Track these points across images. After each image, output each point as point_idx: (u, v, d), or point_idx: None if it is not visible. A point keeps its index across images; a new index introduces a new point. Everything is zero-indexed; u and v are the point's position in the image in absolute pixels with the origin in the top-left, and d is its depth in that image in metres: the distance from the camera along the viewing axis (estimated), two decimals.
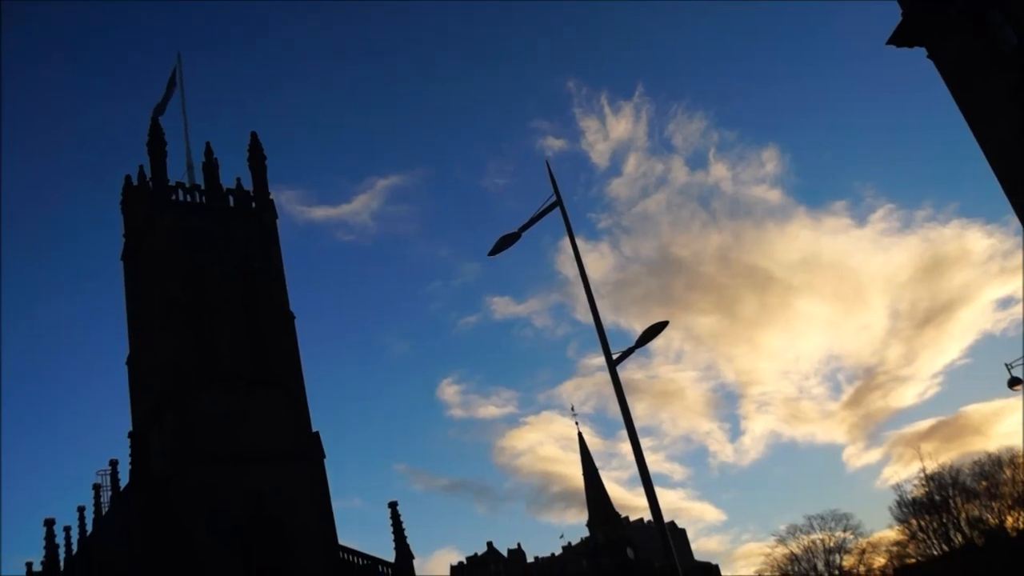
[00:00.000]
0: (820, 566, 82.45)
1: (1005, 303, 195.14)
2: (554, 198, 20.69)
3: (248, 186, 69.63)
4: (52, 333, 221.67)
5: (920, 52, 28.79)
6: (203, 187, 67.92)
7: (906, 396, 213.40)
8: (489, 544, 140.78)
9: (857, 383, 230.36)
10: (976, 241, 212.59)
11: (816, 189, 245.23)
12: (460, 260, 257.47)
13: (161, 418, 59.21)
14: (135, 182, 70.76)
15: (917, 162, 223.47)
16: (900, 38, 28.79)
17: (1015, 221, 26.79)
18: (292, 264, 75.88)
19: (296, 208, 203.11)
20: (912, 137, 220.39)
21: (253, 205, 68.81)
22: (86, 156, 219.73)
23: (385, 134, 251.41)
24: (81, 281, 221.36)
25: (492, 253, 21.16)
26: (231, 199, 68.49)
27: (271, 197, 69.67)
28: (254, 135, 71.47)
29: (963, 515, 74.23)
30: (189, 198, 66.64)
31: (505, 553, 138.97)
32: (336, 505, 60.80)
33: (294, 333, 64.62)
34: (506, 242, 21.12)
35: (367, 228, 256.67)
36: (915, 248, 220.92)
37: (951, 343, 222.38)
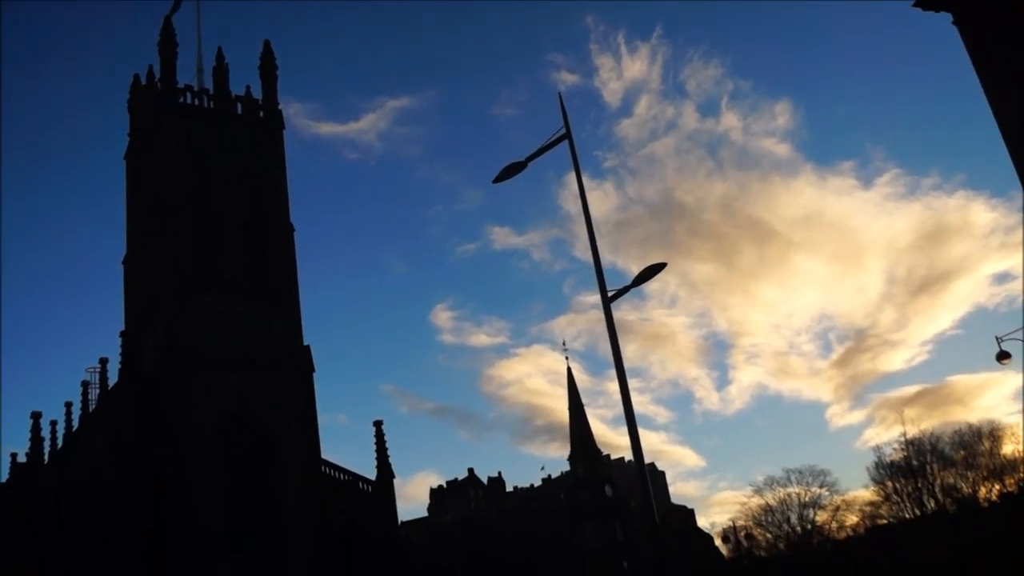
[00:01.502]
0: (793, 519, 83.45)
1: (1002, 278, 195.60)
2: (563, 131, 20.53)
3: (257, 95, 69.05)
4: (51, 228, 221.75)
5: (945, 18, 28.35)
6: (212, 92, 67.33)
7: (894, 361, 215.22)
8: (470, 471, 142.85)
9: (847, 343, 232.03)
10: (980, 214, 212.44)
11: (825, 147, 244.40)
12: (463, 186, 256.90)
13: (154, 320, 59.48)
14: (143, 82, 70.14)
15: (929, 129, 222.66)
16: (926, 1, 28.35)
17: (1021, 197, 26.69)
18: (295, 178, 75.55)
19: (303, 122, 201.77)
20: (928, 104, 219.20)
21: (261, 115, 68.24)
22: (97, 54, 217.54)
23: (399, 55, 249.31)
24: (83, 177, 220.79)
25: (497, 180, 21.08)
26: (239, 107, 67.91)
27: (280, 108, 69.16)
28: (267, 43, 70.58)
29: (938, 481, 74.96)
30: (197, 102, 66.08)
31: (485, 481, 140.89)
32: (321, 420, 61.39)
33: (293, 246, 64.60)
34: (512, 171, 21.01)
35: (373, 147, 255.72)
36: (918, 215, 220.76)
37: (944, 313, 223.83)
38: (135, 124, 69.80)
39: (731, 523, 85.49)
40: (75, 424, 58.43)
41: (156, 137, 65.18)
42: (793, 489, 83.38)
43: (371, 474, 63.39)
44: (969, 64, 28.38)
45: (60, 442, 57.97)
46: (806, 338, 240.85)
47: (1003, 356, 32.95)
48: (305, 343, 61.93)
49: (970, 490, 74.50)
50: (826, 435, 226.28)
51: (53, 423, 58.28)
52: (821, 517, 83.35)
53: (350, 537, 58.93)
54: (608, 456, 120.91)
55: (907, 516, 75.91)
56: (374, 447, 64.19)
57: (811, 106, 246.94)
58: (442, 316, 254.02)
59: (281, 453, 57.21)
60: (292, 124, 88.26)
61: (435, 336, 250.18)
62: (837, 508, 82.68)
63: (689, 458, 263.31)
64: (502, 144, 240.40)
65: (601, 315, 19.02)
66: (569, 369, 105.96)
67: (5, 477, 55.92)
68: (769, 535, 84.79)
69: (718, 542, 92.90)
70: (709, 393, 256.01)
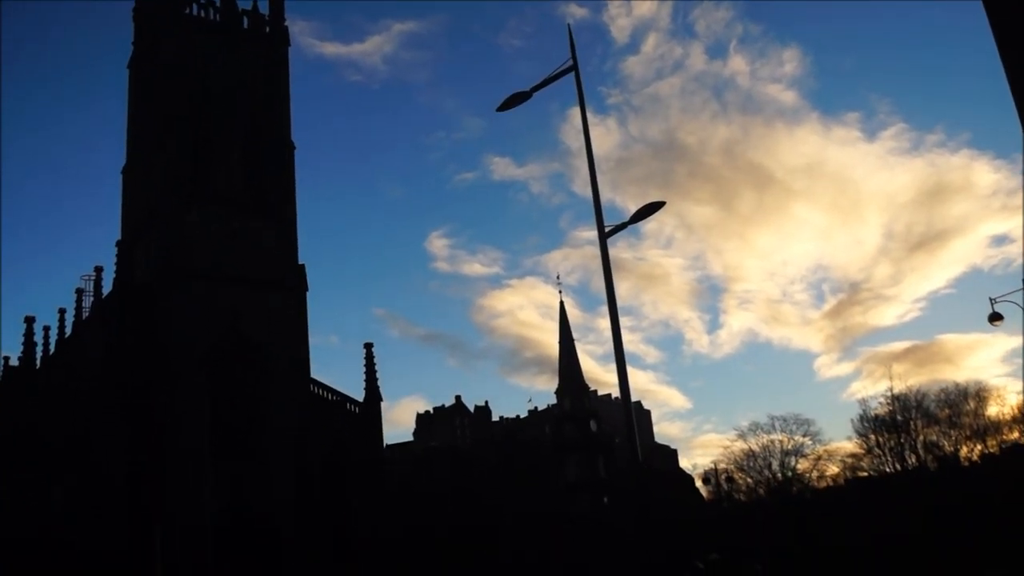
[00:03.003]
0: (775, 465, 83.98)
1: (999, 240, 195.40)
2: (569, 63, 20.26)
3: (264, 10, 68.07)
4: (53, 131, 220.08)
5: None
6: (218, 4, 66.34)
7: (886, 316, 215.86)
8: (457, 398, 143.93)
9: (840, 295, 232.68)
10: (982, 174, 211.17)
11: (831, 96, 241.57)
12: (465, 114, 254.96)
13: (150, 231, 59.31)
14: None
15: (938, 84, 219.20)
16: None
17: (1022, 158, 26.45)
18: (298, 96, 74.68)
19: (308, 40, 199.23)
20: (938, 58, 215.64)
21: (267, 30, 67.41)
22: None
23: None
24: (86, 82, 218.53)
25: (500, 109, 20.90)
26: (245, 20, 67.01)
27: (286, 24, 68.24)
28: None
29: (921, 438, 75.53)
30: (203, 14, 65.20)
31: (472, 409, 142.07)
32: (312, 340, 61.62)
33: (292, 164, 64.15)
34: (516, 100, 20.81)
35: (377, 71, 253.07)
36: (920, 171, 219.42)
37: (939, 271, 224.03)
38: (140, 32, 68.84)
39: (713, 466, 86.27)
40: (68, 331, 58.61)
41: (160, 48, 64.34)
42: (777, 436, 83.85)
43: (359, 396, 63.87)
44: (985, 20, 28.01)
45: (53, 348, 58.21)
46: (800, 287, 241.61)
47: (995, 318, 32.94)
48: (300, 262, 61.93)
49: (952, 449, 75.14)
50: (813, 385, 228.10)
51: (46, 329, 58.44)
52: (802, 466, 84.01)
53: (335, 457, 59.48)
54: (595, 392, 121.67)
55: (888, 470, 76.62)
56: (363, 369, 64.61)
57: (820, 54, 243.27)
58: (437, 243, 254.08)
59: (270, 369, 57.44)
60: (296, 42, 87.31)
61: (429, 263, 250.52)
62: (819, 458, 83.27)
63: (675, 399, 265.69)
64: (506, 74, 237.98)
65: (596, 251, 18.97)
66: (562, 303, 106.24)
67: None
68: (750, 480, 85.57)
69: (698, 483, 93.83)
70: (699, 336, 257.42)
